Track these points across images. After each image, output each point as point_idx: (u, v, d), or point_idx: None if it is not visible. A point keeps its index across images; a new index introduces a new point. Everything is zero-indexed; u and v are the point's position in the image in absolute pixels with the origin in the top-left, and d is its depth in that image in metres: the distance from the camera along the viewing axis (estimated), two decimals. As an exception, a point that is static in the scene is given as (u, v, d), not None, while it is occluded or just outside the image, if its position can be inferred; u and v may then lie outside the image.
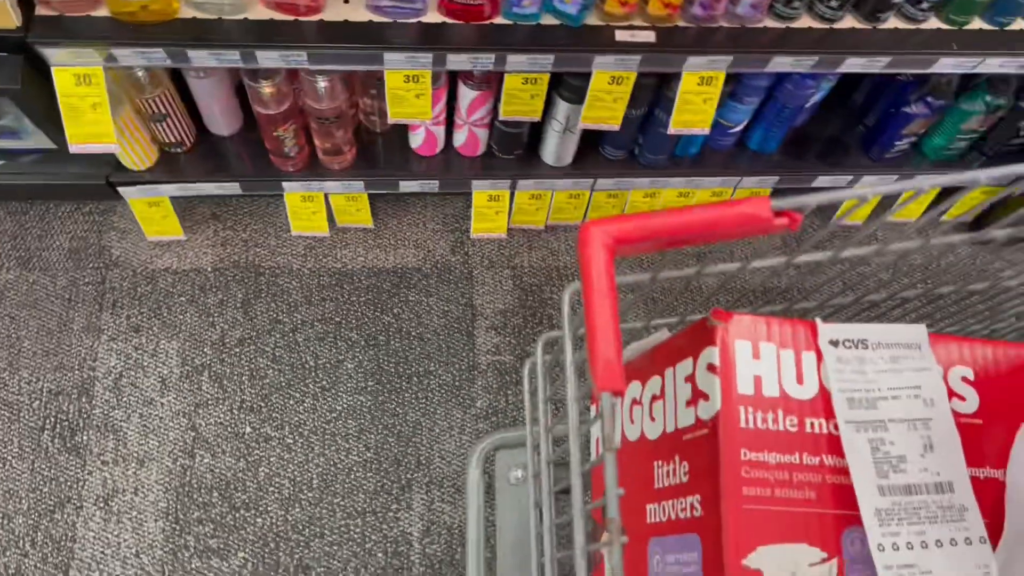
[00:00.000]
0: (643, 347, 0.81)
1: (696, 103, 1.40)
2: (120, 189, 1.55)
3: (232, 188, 1.59)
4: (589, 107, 1.40)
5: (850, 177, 1.73)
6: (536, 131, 1.62)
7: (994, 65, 1.39)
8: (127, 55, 1.21)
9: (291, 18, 1.24)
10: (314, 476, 1.56)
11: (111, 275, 1.71)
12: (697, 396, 0.65)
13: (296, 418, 1.60)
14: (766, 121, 1.61)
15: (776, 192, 1.76)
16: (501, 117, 1.48)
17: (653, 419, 0.73)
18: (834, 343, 0.66)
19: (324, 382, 1.65)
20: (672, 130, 1.44)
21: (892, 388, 0.66)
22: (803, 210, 0.57)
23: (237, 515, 1.51)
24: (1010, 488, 0.65)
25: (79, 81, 1.23)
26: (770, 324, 0.65)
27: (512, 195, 1.72)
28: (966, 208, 1.84)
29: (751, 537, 0.59)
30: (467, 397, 1.66)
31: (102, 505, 1.50)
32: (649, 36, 1.29)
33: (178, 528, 1.49)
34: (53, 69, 1.22)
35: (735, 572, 0.58)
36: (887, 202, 1.86)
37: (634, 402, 0.79)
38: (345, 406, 1.63)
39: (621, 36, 1.29)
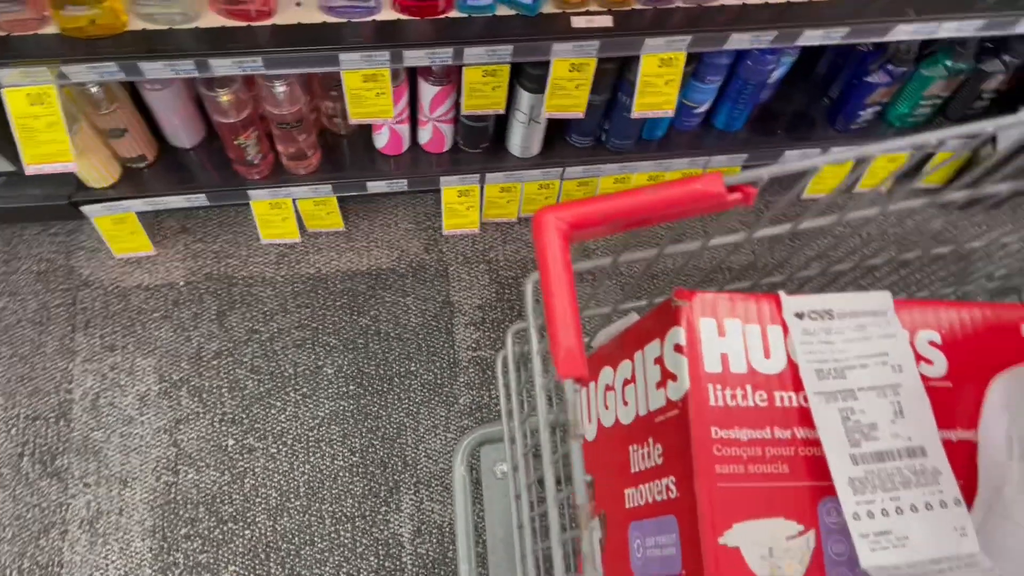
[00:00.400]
0: (612, 332, 0.81)
1: (658, 85, 1.39)
2: (84, 208, 1.53)
3: (198, 199, 1.58)
4: (551, 96, 1.40)
5: (818, 150, 1.73)
6: (501, 123, 1.61)
7: (951, 29, 1.40)
8: (79, 71, 1.20)
9: (243, 24, 1.22)
10: (300, 484, 1.55)
11: (82, 295, 1.69)
12: (666, 377, 0.64)
13: (279, 427, 1.59)
14: (730, 99, 1.61)
15: (745, 169, 1.76)
16: (464, 111, 1.47)
17: (626, 403, 0.73)
18: (799, 315, 0.66)
19: (305, 389, 1.63)
20: (636, 113, 1.43)
21: (860, 356, 0.66)
22: (756, 184, 0.56)
23: (225, 528, 1.50)
24: (982, 448, 0.66)
25: (32, 101, 1.21)
26: (734, 301, 0.65)
27: (482, 189, 1.71)
28: (936, 165, 1.85)
29: (727, 515, 0.58)
30: (450, 394, 1.66)
31: (87, 528, 1.48)
32: (606, 21, 1.29)
33: (166, 546, 1.48)
34: (4, 91, 1.20)
35: (712, 551, 0.57)
36: (857, 173, 1.87)
37: (607, 388, 0.79)
38: (328, 412, 1.62)
39: (578, 22, 1.28)
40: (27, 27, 1.18)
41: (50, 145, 1.25)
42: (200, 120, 1.56)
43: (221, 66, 1.23)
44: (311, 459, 1.57)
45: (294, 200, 1.64)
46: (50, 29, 1.18)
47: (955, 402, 0.67)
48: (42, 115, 1.22)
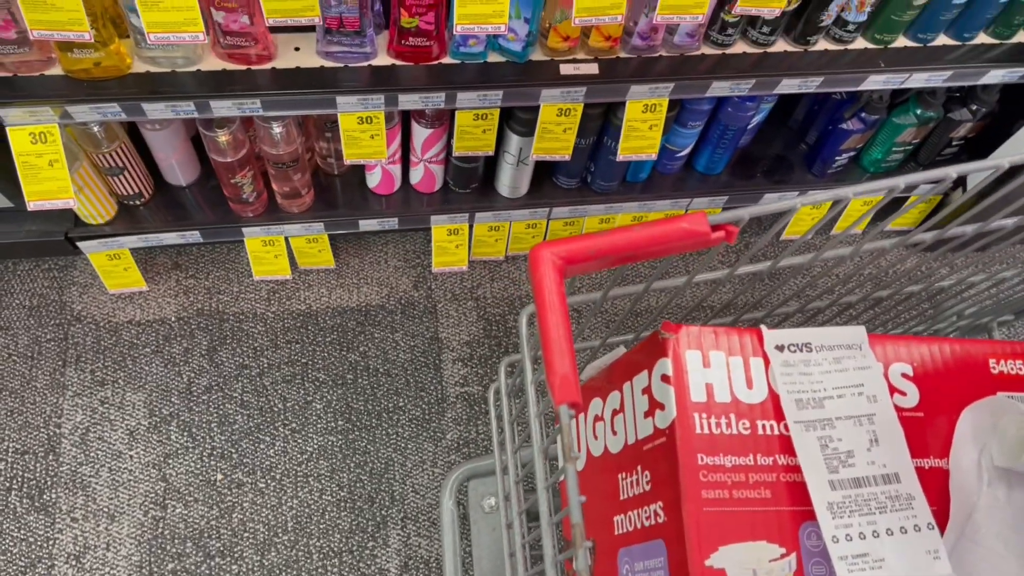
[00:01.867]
0: (601, 365, 0.84)
1: (642, 130, 1.45)
2: (80, 244, 1.55)
3: (193, 236, 1.60)
4: (540, 139, 1.44)
5: (795, 193, 1.79)
6: (491, 165, 1.66)
7: (921, 79, 1.46)
8: (82, 111, 1.23)
9: (244, 67, 1.27)
10: (288, 519, 1.56)
11: (73, 330, 1.70)
12: (654, 406, 0.68)
13: (267, 462, 1.60)
14: (711, 144, 1.67)
15: (726, 211, 1.81)
16: (455, 153, 1.51)
17: (615, 433, 0.76)
18: (780, 348, 0.69)
19: (294, 424, 1.65)
20: (621, 157, 1.48)
21: (837, 387, 0.69)
22: (738, 223, 0.61)
23: (212, 563, 1.50)
24: (953, 475, 0.69)
25: (35, 139, 1.24)
26: (718, 334, 0.68)
27: (471, 228, 1.75)
28: (904, 207, 1.91)
29: (713, 538, 0.61)
30: (437, 430, 1.68)
31: (74, 563, 1.48)
32: (592, 68, 1.34)
33: (153, 581, 1.48)
34: (8, 129, 1.23)
35: (699, 573, 0.60)
36: (835, 216, 1.93)
37: (596, 418, 0.82)
38: (316, 447, 1.63)
39: (566, 69, 1.33)
40: (33, 68, 1.21)
41: (51, 182, 1.28)
42: (196, 158, 1.60)
43: (221, 107, 1.26)
44: (299, 494, 1.58)
45: (287, 237, 1.67)
46: (55, 70, 1.22)
47: (927, 431, 0.70)
48: (44, 153, 1.25)
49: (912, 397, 0.71)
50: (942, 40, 1.48)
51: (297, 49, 1.30)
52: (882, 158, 1.75)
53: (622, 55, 1.37)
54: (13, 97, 1.19)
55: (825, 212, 1.89)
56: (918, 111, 1.63)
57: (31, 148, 1.25)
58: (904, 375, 0.72)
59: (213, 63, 1.26)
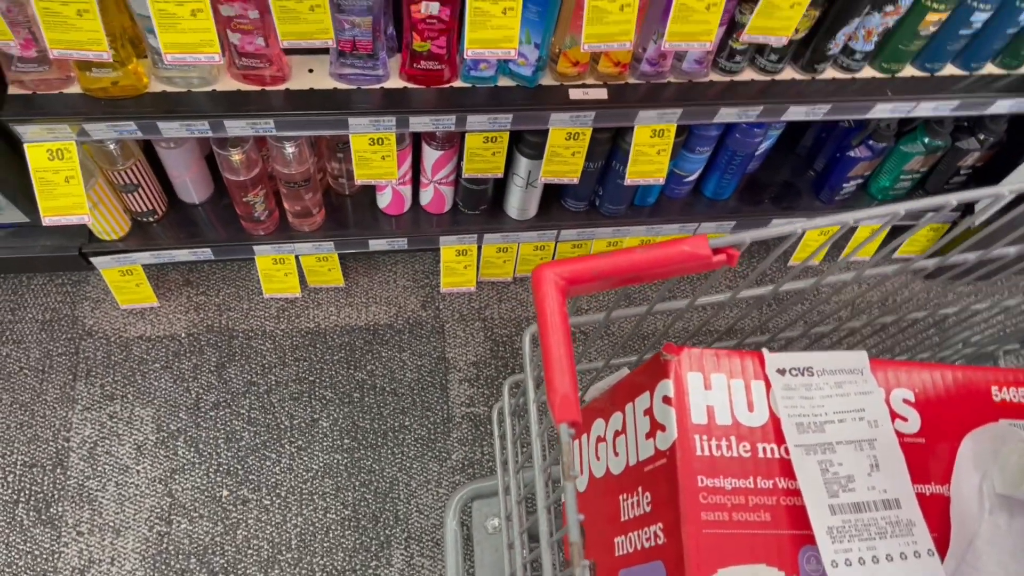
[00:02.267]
0: (605, 386, 0.84)
1: (650, 154, 1.46)
2: (93, 259, 1.57)
3: (204, 254, 1.62)
4: (548, 162, 1.46)
5: (803, 220, 1.79)
6: (500, 187, 1.67)
7: (928, 108, 1.47)
8: (99, 129, 1.25)
9: (258, 88, 1.29)
10: (292, 537, 1.56)
11: (85, 345, 1.72)
12: (655, 428, 0.68)
13: (273, 479, 1.61)
14: (719, 169, 1.68)
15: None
16: (465, 175, 1.53)
17: (617, 454, 0.76)
18: (781, 371, 0.70)
19: (300, 442, 1.65)
20: (629, 181, 1.50)
21: (838, 412, 0.69)
22: (739, 246, 0.61)
23: (216, 580, 1.50)
24: (955, 502, 0.69)
25: (52, 156, 1.27)
26: (719, 356, 0.69)
27: (479, 249, 1.77)
28: (920, 245, 1.91)
29: (712, 560, 0.61)
30: (443, 450, 1.68)
31: (78, 577, 1.48)
32: (601, 93, 1.36)
33: (156, 596, 1.48)
34: (26, 145, 1.25)
35: (698, 594, 0.60)
36: (841, 244, 1.94)
37: (599, 439, 0.82)
38: (321, 465, 1.63)
39: (575, 94, 1.35)
40: (52, 86, 1.24)
41: (67, 198, 1.30)
42: (210, 177, 1.62)
43: (235, 127, 1.29)
44: (304, 511, 1.58)
45: (297, 256, 1.69)
46: (74, 89, 1.24)
47: (928, 458, 0.70)
48: (61, 169, 1.28)
49: (913, 423, 0.71)
50: (949, 70, 1.49)
51: (311, 71, 1.32)
52: (890, 186, 1.76)
53: (631, 81, 1.39)
54: (32, 114, 1.21)
55: (829, 237, 1.90)
56: (926, 140, 1.64)
57: (48, 164, 1.27)
58: (906, 401, 0.72)
59: (228, 83, 1.29)
